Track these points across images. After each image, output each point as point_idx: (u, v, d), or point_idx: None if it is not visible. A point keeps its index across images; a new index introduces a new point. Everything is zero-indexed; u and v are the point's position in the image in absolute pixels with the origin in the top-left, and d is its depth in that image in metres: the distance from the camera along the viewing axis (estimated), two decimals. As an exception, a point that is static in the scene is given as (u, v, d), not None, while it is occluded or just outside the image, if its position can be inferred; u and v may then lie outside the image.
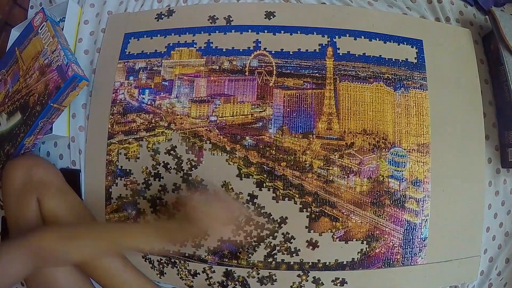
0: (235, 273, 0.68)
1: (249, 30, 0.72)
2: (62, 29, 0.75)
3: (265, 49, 0.71)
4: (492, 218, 0.73)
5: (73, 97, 0.68)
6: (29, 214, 0.62)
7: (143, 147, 0.70)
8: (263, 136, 0.68)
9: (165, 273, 0.70)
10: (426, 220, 0.68)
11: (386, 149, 0.68)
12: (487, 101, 0.74)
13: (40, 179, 0.64)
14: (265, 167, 0.67)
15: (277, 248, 0.67)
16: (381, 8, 0.75)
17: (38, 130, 0.69)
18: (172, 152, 0.69)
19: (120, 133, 0.72)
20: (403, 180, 0.68)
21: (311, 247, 0.66)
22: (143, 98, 0.72)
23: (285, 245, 0.66)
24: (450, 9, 0.76)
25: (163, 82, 0.73)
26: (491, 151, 0.73)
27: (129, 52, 0.75)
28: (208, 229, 0.57)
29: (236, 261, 0.67)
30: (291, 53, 0.71)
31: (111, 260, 0.65)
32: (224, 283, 0.68)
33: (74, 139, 0.74)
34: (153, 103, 0.72)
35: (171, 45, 0.74)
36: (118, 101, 0.73)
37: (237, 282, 0.67)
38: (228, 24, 0.73)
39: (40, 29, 0.71)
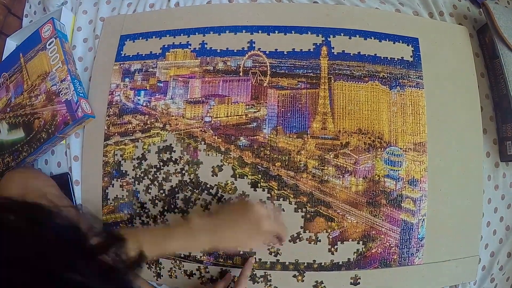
0: (230, 272, 0.67)
1: (243, 31, 0.72)
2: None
3: (259, 49, 0.71)
4: (492, 213, 0.72)
5: (77, 129, 0.73)
6: None
7: (139, 148, 0.71)
8: (257, 137, 0.68)
9: (162, 275, 0.70)
10: (423, 219, 0.67)
11: (382, 149, 0.68)
12: (483, 94, 0.73)
13: (36, 191, 0.65)
14: (260, 167, 0.67)
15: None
16: (373, 5, 0.74)
17: (40, 152, 0.73)
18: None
19: (116, 134, 0.72)
20: (400, 180, 0.67)
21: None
22: (139, 100, 0.73)
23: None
24: (443, 3, 0.76)
25: (158, 84, 0.73)
26: (489, 145, 0.73)
27: (125, 54, 0.75)
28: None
29: (231, 262, 0.67)
30: (285, 53, 0.71)
31: None
32: (216, 279, 0.68)
33: (69, 146, 0.74)
34: (148, 104, 0.72)
35: (166, 46, 0.74)
36: (114, 103, 0.74)
37: (232, 282, 0.67)
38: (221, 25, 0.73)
39: (49, 45, 0.72)
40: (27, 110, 0.73)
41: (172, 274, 0.69)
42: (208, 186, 0.68)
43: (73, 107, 0.68)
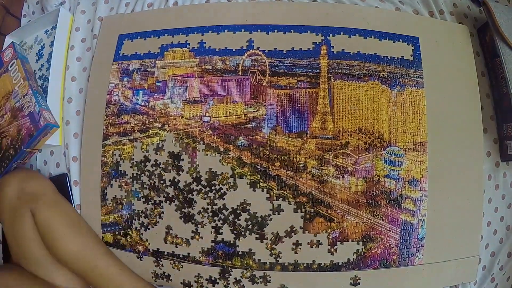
0: (232, 271, 0.67)
1: (242, 30, 0.72)
2: (54, 37, 0.76)
3: (258, 48, 0.71)
4: (493, 212, 0.72)
5: (44, 141, 0.71)
6: (25, 227, 0.63)
7: (137, 148, 0.70)
8: (256, 136, 0.68)
9: (160, 276, 0.70)
10: (423, 220, 0.67)
11: (382, 148, 0.67)
12: (484, 93, 0.73)
13: (32, 191, 0.65)
14: (259, 167, 0.67)
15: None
16: (373, 4, 0.74)
17: (11, 170, 0.72)
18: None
19: (114, 134, 0.72)
20: (400, 180, 0.67)
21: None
22: (137, 99, 0.72)
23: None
24: (443, 1, 0.75)
25: (156, 83, 0.72)
26: (490, 144, 0.72)
27: (123, 53, 0.75)
28: None
29: (230, 262, 0.67)
30: (284, 52, 0.70)
31: (107, 264, 0.66)
32: (214, 280, 0.68)
33: (68, 146, 0.74)
34: (147, 104, 0.72)
35: (164, 45, 0.73)
36: (112, 103, 0.73)
37: (229, 281, 0.67)
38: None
39: (10, 66, 0.74)
40: (-6, 132, 0.73)
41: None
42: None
43: (36, 118, 0.69)
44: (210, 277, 0.68)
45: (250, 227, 0.66)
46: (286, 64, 0.70)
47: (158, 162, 0.69)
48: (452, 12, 0.75)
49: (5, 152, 0.71)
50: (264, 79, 0.69)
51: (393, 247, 0.66)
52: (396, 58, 0.70)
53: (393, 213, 0.66)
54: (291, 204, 0.66)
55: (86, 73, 0.76)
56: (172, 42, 0.73)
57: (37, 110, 0.69)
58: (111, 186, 0.71)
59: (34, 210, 0.64)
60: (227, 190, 0.67)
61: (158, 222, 0.69)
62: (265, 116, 0.68)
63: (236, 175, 0.67)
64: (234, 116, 0.69)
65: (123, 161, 0.71)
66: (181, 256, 0.68)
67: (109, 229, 0.71)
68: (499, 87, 0.71)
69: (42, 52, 0.81)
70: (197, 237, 0.67)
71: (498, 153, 0.72)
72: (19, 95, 0.71)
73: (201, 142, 0.68)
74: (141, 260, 0.70)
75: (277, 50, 0.70)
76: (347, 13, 0.72)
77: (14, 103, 0.72)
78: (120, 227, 0.71)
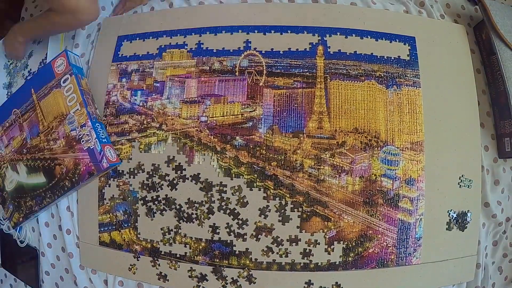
0: (224, 270, 0.67)
1: (239, 30, 0.72)
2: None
3: (255, 49, 0.71)
4: None
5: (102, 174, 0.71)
6: None
7: (135, 148, 0.71)
8: (253, 136, 0.68)
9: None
10: (421, 219, 0.67)
11: (379, 148, 0.67)
12: (480, 90, 0.73)
13: None
14: (256, 167, 0.67)
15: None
16: (369, 4, 0.73)
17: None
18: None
19: (113, 134, 0.72)
20: (396, 179, 0.67)
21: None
22: (135, 100, 0.73)
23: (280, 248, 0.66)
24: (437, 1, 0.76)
25: (154, 84, 0.73)
26: (488, 140, 0.72)
27: (122, 54, 0.76)
28: None
29: (227, 262, 0.67)
30: (281, 52, 0.71)
31: None
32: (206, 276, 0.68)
33: None
34: (145, 104, 0.72)
35: (162, 47, 0.74)
36: (111, 103, 0.74)
37: (225, 280, 0.67)
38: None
39: (63, 82, 0.68)
40: (45, 154, 0.70)
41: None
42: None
43: (97, 157, 0.65)
44: (203, 275, 0.68)
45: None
46: (282, 64, 0.70)
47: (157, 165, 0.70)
48: (446, 11, 0.76)
49: (60, 181, 0.68)
50: (261, 79, 0.70)
51: (390, 247, 0.66)
52: (392, 58, 0.71)
53: (390, 213, 0.66)
54: (288, 204, 0.66)
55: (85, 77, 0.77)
56: (170, 43, 0.74)
57: (99, 148, 0.64)
58: (109, 186, 0.71)
59: None
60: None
61: (159, 221, 0.69)
62: (261, 116, 0.68)
63: (233, 175, 0.67)
64: (231, 116, 0.69)
65: (121, 161, 0.71)
66: (178, 255, 0.68)
67: (106, 228, 0.71)
68: (496, 84, 0.71)
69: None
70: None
71: (496, 149, 0.72)
72: (76, 123, 0.66)
73: (198, 142, 0.69)
74: (138, 260, 0.70)
75: (274, 50, 0.71)
76: (344, 14, 0.72)
77: (69, 131, 0.67)
78: (117, 227, 0.71)
